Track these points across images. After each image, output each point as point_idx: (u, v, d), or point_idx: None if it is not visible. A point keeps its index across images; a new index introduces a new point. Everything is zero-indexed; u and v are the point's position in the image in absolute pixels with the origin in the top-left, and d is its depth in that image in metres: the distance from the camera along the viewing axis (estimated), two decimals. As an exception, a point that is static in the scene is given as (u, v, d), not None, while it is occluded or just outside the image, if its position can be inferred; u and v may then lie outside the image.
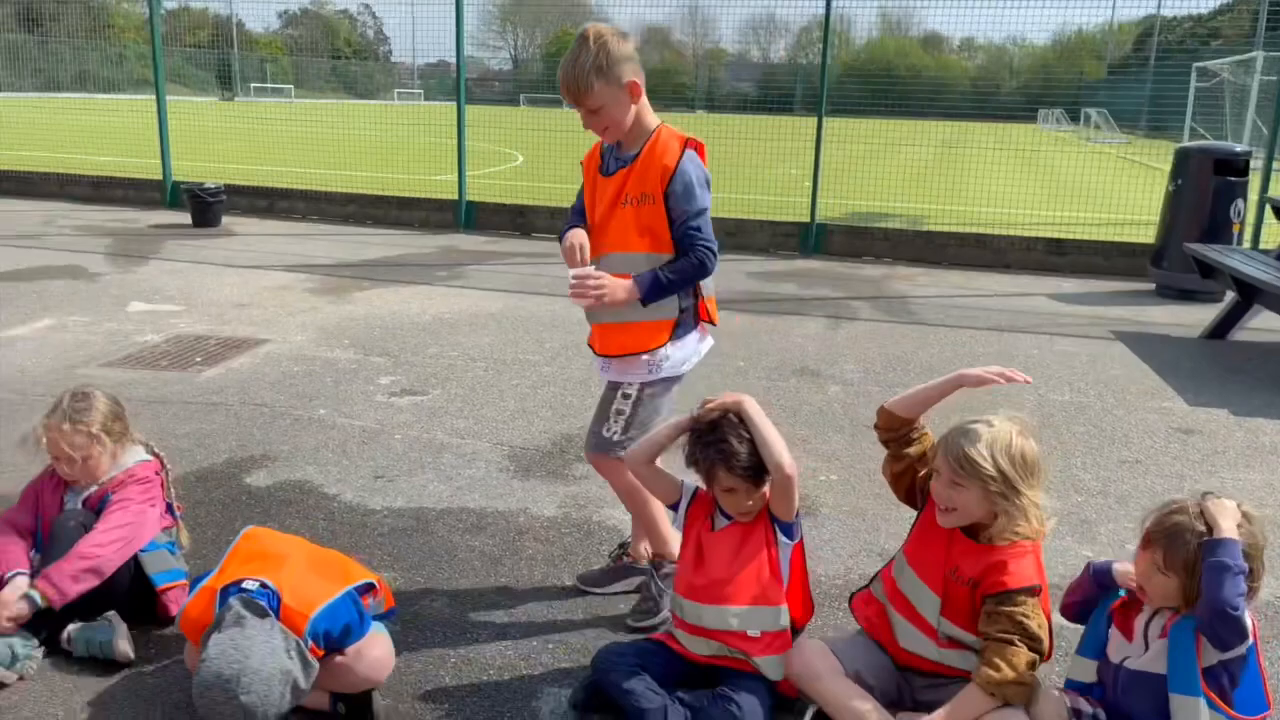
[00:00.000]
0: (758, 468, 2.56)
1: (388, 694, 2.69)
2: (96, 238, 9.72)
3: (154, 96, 11.75)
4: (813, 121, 10.20)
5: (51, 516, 2.93)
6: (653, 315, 2.87)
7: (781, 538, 2.67)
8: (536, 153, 12.58)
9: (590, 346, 3.08)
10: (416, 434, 4.65)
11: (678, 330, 2.92)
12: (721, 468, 2.57)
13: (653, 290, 2.80)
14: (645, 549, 3.27)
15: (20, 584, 2.76)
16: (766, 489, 2.63)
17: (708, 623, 2.63)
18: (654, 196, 2.80)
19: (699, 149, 2.89)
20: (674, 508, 2.82)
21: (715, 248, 2.84)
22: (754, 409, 2.61)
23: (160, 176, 11.92)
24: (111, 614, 2.85)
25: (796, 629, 2.71)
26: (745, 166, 12.49)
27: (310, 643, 2.47)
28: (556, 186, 12.99)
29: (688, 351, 2.97)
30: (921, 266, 9.68)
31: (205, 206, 10.57)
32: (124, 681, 2.71)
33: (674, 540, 3.09)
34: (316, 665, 2.48)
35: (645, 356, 2.90)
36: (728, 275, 8.89)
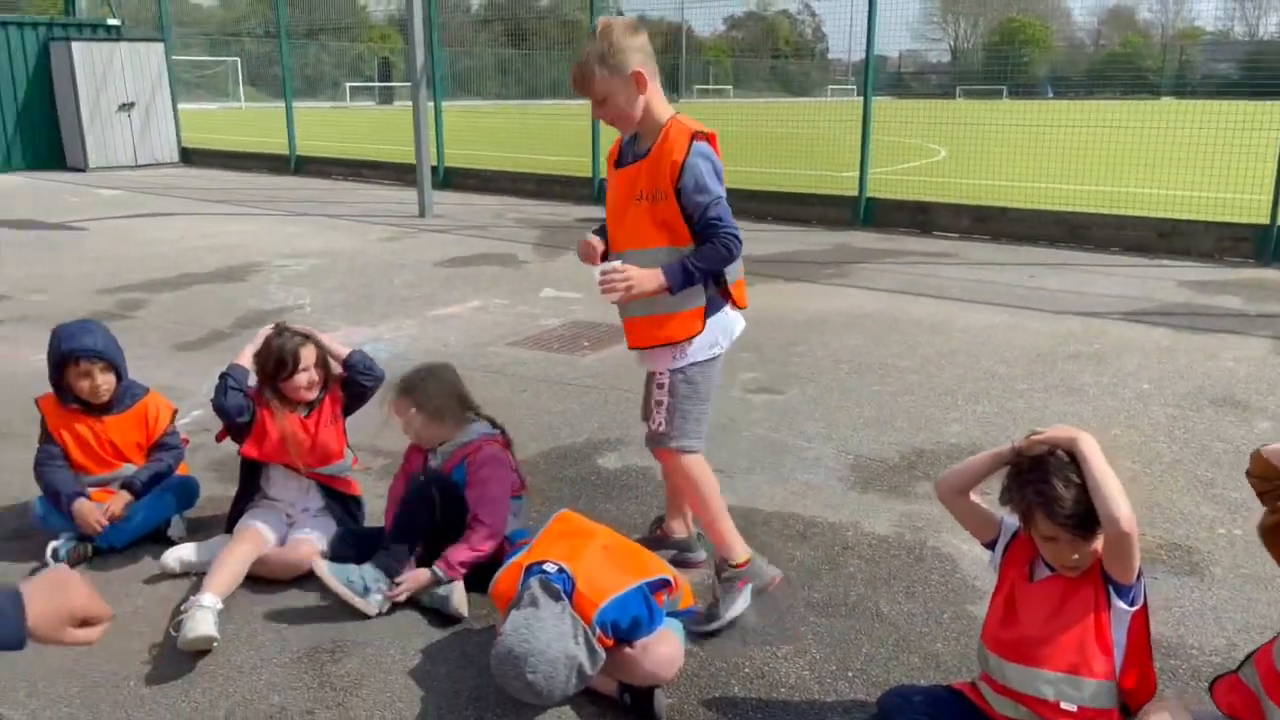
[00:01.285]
0: (1086, 517, 2.19)
1: (674, 693, 2.70)
2: (530, 229, 10.92)
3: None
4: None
5: (412, 473, 3.33)
6: (681, 306, 2.84)
7: (1117, 602, 2.26)
8: (963, 146, 11.94)
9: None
10: (763, 432, 4.63)
11: (705, 315, 2.88)
12: (1040, 512, 2.23)
13: (682, 279, 2.77)
14: (681, 526, 3.42)
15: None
16: (1097, 544, 2.24)
17: (1013, 683, 2.31)
18: (665, 192, 2.77)
19: (710, 139, 2.84)
20: (990, 546, 2.51)
21: (739, 234, 2.79)
22: (1090, 447, 2.23)
23: (590, 174, 13.08)
24: (454, 571, 3.17)
25: (1130, 710, 2.29)
26: (1196, 158, 10.87)
27: (598, 631, 2.54)
28: (973, 183, 12.26)
29: (714, 334, 2.92)
30: None
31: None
32: (452, 637, 2.99)
33: (736, 542, 3.06)
34: (603, 654, 2.55)
35: (673, 346, 2.89)
36: (1157, 283, 7.81)
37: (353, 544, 3.28)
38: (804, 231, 10.71)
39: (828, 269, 8.55)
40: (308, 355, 3.40)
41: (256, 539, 3.24)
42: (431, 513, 3.13)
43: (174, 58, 18.45)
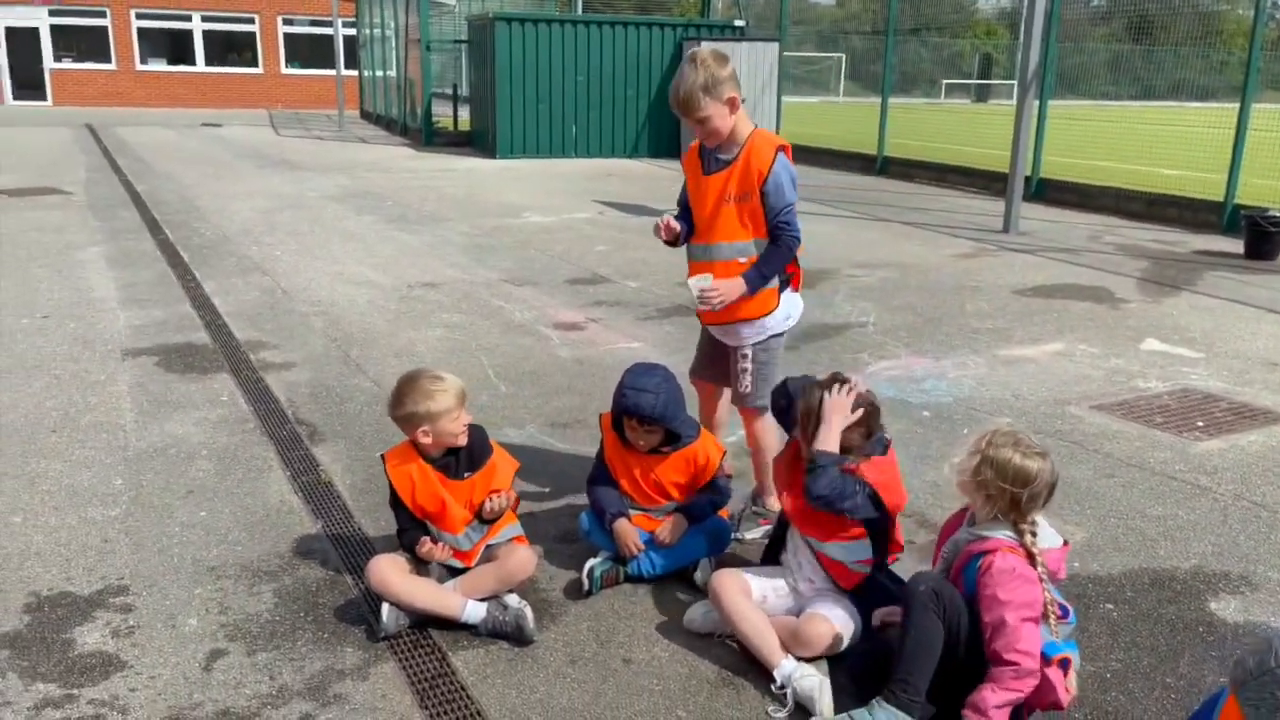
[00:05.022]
0: None
1: None
2: (1133, 259, 9.40)
3: (1238, 106, 10.76)
4: None
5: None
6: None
7: None
8: None
9: (698, 317, 3.75)
10: None
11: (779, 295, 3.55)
12: None
13: (758, 284, 3.44)
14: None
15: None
16: None
17: None
18: (752, 194, 3.40)
19: (787, 150, 3.44)
20: None
21: (799, 235, 3.46)
22: None
23: (1221, 198, 10.96)
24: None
25: None
26: None
27: None
28: None
29: (787, 309, 3.59)
30: None
31: (1263, 236, 9.33)
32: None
33: (773, 495, 3.59)
34: None
35: (754, 322, 3.52)
36: None
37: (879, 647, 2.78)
38: None
39: None
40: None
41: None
42: (948, 634, 2.50)
43: (785, 54, 19.35)
